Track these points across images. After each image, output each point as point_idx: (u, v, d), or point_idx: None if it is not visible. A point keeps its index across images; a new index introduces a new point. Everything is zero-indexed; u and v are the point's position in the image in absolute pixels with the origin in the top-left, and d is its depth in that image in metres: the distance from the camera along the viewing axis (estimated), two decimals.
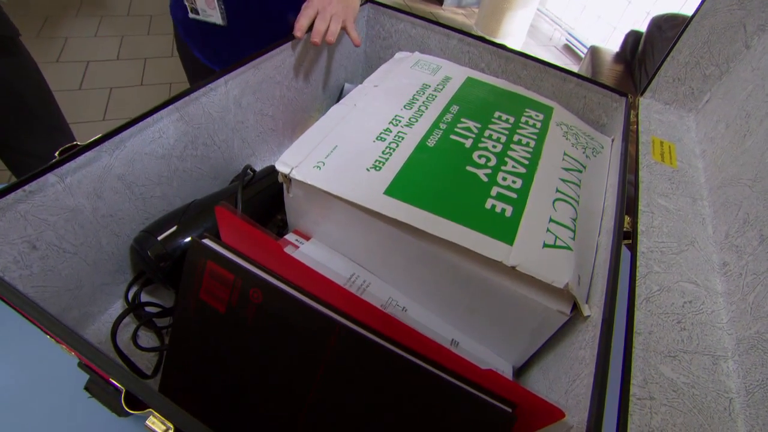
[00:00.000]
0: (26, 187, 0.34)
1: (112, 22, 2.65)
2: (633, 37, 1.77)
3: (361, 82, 0.75)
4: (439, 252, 0.37)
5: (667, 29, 1.63)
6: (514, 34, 2.99)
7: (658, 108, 0.65)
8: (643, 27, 1.84)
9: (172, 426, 0.23)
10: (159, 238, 0.44)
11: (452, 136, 0.46)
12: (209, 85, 0.46)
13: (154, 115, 0.42)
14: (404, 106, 0.49)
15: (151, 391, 0.24)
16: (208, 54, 0.77)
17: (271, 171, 0.53)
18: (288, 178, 0.41)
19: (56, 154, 0.36)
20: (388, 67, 0.57)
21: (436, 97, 0.52)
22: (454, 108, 0.51)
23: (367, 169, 0.41)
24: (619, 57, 1.77)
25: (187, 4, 0.71)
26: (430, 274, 0.41)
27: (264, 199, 0.51)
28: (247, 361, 0.34)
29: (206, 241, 0.33)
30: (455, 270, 0.38)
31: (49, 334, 0.27)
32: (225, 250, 0.33)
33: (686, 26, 0.60)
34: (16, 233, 0.35)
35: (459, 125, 0.48)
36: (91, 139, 0.38)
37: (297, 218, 0.47)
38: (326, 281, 0.31)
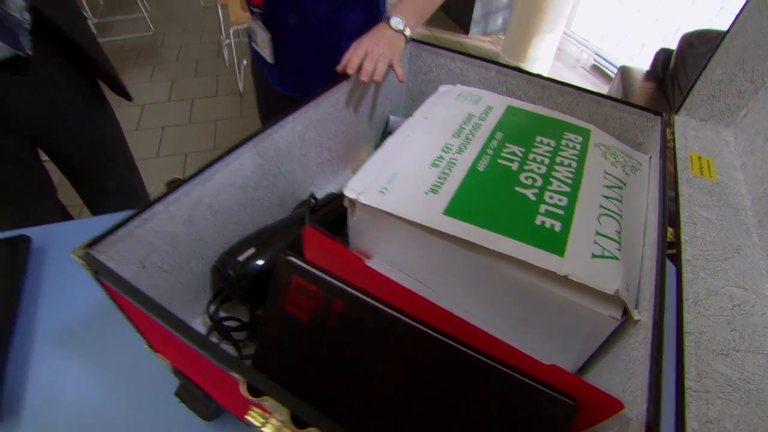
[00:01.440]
0: (143, 215, 0.40)
1: (164, 68, 2.88)
2: (663, 55, 1.78)
3: (404, 114, 0.81)
4: (497, 265, 0.41)
5: (699, 45, 1.64)
6: (541, 58, 3.04)
7: (694, 125, 0.67)
8: (670, 43, 1.85)
9: (286, 414, 0.27)
10: (239, 258, 0.49)
11: (499, 161, 0.51)
12: (280, 122, 0.53)
13: (237, 151, 0.48)
14: (453, 135, 0.54)
15: (268, 381, 0.28)
16: (273, 76, 0.90)
17: (332, 198, 0.59)
18: (354, 203, 0.46)
19: (163, 185, 0.43)
20: (434, 100, 0.63)
21: (480, 125, 0.57)
22: (499, 135, 0.55)
23: (426, 193, 0.45)
24: (650, 75, 1.78)
25: (251, 35, 0.85)
26: (485, 287, 0.44)
27: (325, 223, 0.57)
28: (330, 362, 0.38)
29: (292, 258, 0.38)
30: (511, 281, 0.41)
31: (151, 341, 0.32)
32: (308, 266, 0.38)
33: (717, 47, 0.62)
34: (133, 255, 0.41)
35: (504, 150, 0.52)
36: (190, 173, 0.44)
37: (359, 239, 0.52)
38: (402, 289, 0.36)
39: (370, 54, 0.64)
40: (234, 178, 0.49)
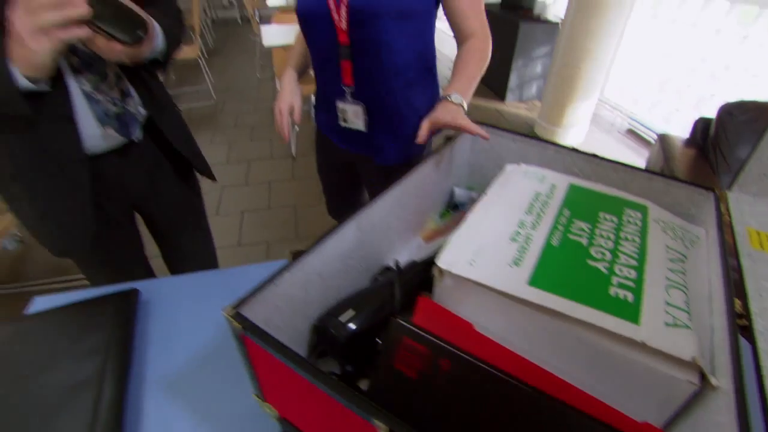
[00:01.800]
0: (275, 281, 0.49)
1: (223, 133, 3.16)
2: (702, 124, 1.84)
3: (465, 185, 0.90)
4: (577, 331, 0.46)
5: (738, 115, 1.69)
6: (577, 124, 3.14)
7: (748, 200, 0.72)
8: (705, 108, 1.91)
9: None
10: (341, 319, 0.57)
11: (570, 236, 0.57)
12: (377, 201, 0.62)
13: (344, 225, 0.57)
14: (525, 212, 0.62)
15: (403, 425, 0.34)
16: (343, 141, 1.11)
17: (413, 266, 0.66)
18: (445, 273, 0.53)
19: (289, 253, 0.51)
20: (503, 179, 0.71)
21: (548, 203, 0.64)
22: (566, 212, 0.62)
23: (510, 265, 0.52)
24: (691, 143, 1.83)
25: (339, 115, 1.04)
26: (566, 352, 0.49)
27: (410, 288, 0.64)
28: (437, 418, 0.43)
29: (402, 321, 0.45)
30: (591, 347, 0.46)
31: (265, 391, 0.38)
32: (418, 329, 0.44)
33: (766, 129, 0.68)
34: (262, 315, 0.49)
35: (573, 226, 0.59)
36: (311, 245, 0.53)
37: (444, 305, 0.58)
38: (507, 352, 0.42)
39: (447, 125, 0.76)
40: (338, 248, 0.58)
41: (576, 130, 3.18)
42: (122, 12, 0.69)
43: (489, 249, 0.55)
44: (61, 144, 0.80)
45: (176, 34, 0.93)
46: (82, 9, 0.64)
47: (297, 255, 0.52)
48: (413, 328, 0.44)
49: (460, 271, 0.52)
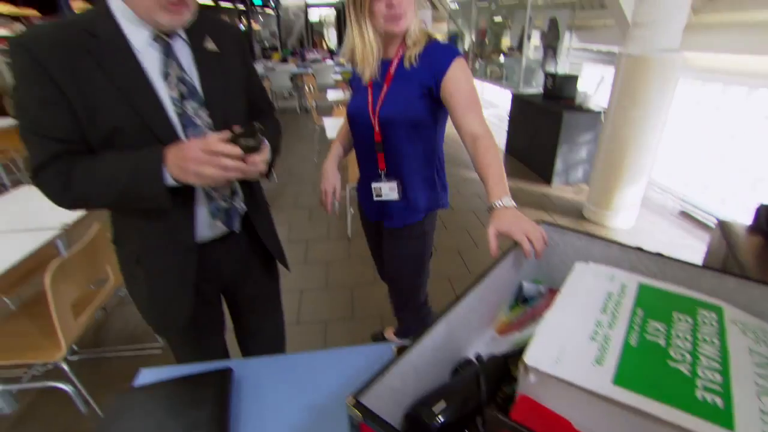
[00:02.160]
0: (384, 374, 0.56)
1: (284, 212, 3.40)
2: (766, 210, 1.82)
3: (531, 279, 0.95)
4: None
5: None
6: (627, 208, 3.14)
7: None
8: (761, 187, 1.87)
9: None
10: (434, 409, 0.62)
11: (647, 336, 0.61)
12: (463, 298, 0.69)
13: (439, 323, 0.64)
14: (601, 311, 0.67)
15: None
16: (371, 213, 1.47)
17: (494, 359, 0.71)
18: (531, 369, 0.58)
19: (394, 349, 0.58)
20: (574, 279, 0.76)
21: (621, 303, 0.69)
22: (639, 311, 0.66)
23: (593, 364, 0.56)
24: (755, 230, 1.80)
25: (374, 192, 1.36)
26: None
27: (490, 380, 0.68)
28: None
29: (500, 416, 0.50)
30: None
31: None
32: (514, 422, 0.49)
33: None
34: (371, 403, 0.55)
35: (648, 326, 0.63)
36: (414, 341, 0.60)
37: None
38: None
39: (527, 234, 0.85)
40: (431, 343, 0.64)
41: (626, 214, 3.17)
42: (249, 134, 0.85)
43: (571, 347, 0.60)
44: (181, 232, 0.95)
45: (279, 145, 1.11)
46: (238, 174, 0.82)
47: (401, 350, 0.59)
48: (512, 423, 0.49)
49: (547, 368, 0.56)
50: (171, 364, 0.97)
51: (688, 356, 0.58)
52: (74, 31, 0.78)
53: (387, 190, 1.34)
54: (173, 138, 0.86)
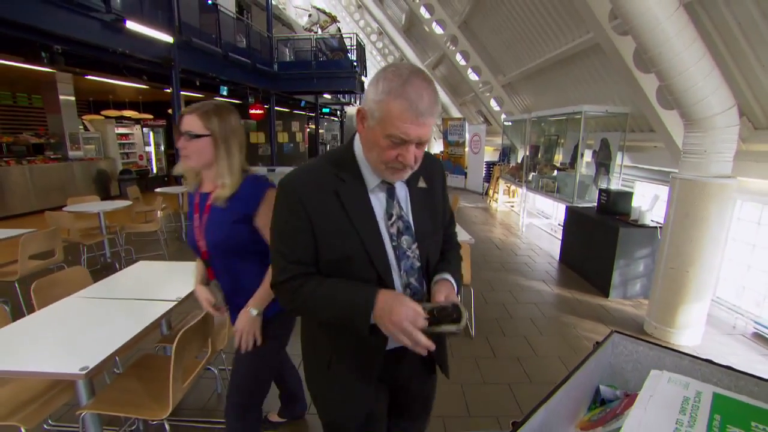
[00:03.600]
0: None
1: None
2: None
3: (606, 383, 1.06)
4: None
5: None
6: (692, 326, 3.06)
7: None
8: None
9: None
10: None
11: None
12: (555, 394, 0.82)
13: (536, 413, 0.77)
14: (679, 412, 0.77)
15: None
16: None
17: None
18: None
19: (510, 427, 0.72)
20: (651, 385, 0.87)
21: (698, 407, 0.79)
22: (717, 416, 0.76)
23: None
24: None
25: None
26: None
27: None
28: None
29: None
30: None
31: None
32: None
33: None
34: None
35: (728, 431, 0.73)
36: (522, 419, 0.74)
37: None
38: None
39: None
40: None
41: (691, 332, 3.07)
42: (451, 317, 0.95)
43: None
44: (372, 339, 1.01)
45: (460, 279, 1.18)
46: (422, 351, 0.92)
47: (515, 424, 0.72)
48: None
49: None
50: None
51: None
52: (329, 178, 1.00)
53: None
54: (387, 268, 1.02)
